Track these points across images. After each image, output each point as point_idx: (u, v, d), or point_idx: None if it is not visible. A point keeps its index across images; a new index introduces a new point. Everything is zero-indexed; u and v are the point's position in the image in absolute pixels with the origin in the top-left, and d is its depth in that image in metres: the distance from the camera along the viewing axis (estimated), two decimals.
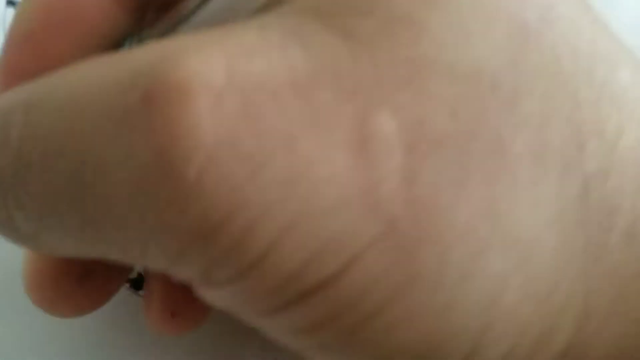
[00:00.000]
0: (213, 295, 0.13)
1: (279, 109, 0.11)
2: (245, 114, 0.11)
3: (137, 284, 0.20)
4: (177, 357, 0.19)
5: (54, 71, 0.13)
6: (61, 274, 0.16)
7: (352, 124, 0.11)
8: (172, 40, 0.13)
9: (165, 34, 0.14)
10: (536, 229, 0.12)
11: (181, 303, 0.16)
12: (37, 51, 0.14)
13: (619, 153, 0.12)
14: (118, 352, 0.19)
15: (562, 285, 0.12)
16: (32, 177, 0.12)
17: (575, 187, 0.12)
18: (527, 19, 0.12)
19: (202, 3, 0.14)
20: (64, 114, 0.12)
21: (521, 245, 0.11)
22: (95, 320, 0.18)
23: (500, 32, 0.12)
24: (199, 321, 0.17)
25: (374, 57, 0.12)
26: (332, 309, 0.11)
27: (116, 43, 0.15)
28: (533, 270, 0.11)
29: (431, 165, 0.11)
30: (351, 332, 0.12)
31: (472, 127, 0.12)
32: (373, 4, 0.12)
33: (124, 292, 0.20)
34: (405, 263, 0.11)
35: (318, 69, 0.12)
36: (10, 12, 0.24)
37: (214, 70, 0.11)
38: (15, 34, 0.14)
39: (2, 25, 0.23)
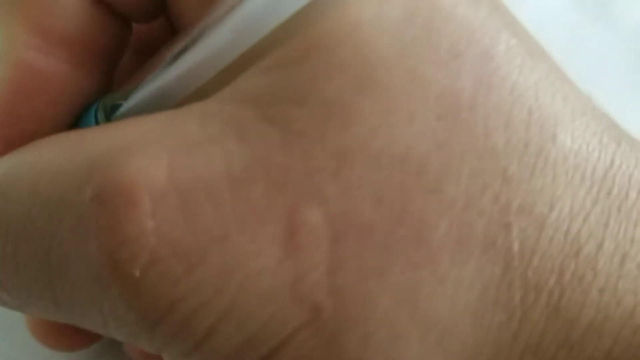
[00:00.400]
0: None
1: (214, 206, 0.12)
2: (183, 213, 0.12)
3: None
4: None
5: (26, 146, 0.15)
6: None
7: (282, 217, 0.12)
8: (123, 127, 0.13)
9: (125, 97, 0.15)
10: (455, 310, 0.12)
11: None
12: (9, 123, 0.15)
13: (547, 229, 0.12)
14: None
15: None
16: (9, 259, 0.14)
17: (499, 267, 0.12)
18: (460, 92, 0.13)
19: (154, 76, 0.15)
20: (31, 205, 0.13)
21: (439, 328, 0.12)
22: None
23: (430, 112, 0.12)
24: None
25: (304, 147, 0.12)
26: None
27: (85, 106, 0.16)
28: (450, 351, 0.12)
29: (355, 254, 0.12)
30: None
31: (396, 214, 0.12)
32: (307, 91, 0.12)
33: None
34: (329, 348, 0.12)
35: (253, 162, 0.12)
36: None
37: (157, 171, 0.12)
38: None
39: None
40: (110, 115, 0.16)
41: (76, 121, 0.16)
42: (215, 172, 0.12)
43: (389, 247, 0.12)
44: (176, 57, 0.14)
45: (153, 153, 0.12)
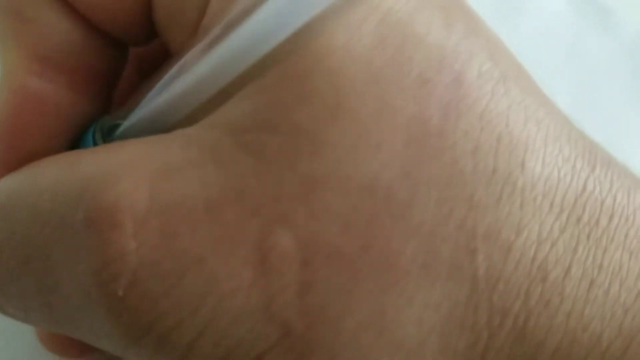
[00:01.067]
0: None
1: (191, 229, 0.13)
2: (163, 235, 0.13)
3: None
4: None
5: (27, 167, 0.15)
6: None
7: (255, 241, 0.13)
8: (113, 150, 0.14)
9: (121, 118, 0.16)
10: (422, 332, 0.12)
11: None
12: (11, 146, 0.16)
13: (514, 254, 0.13)
14: None
15: None
16: (12, 275, 0.15)
17: (464, 291, 0.12)
18: (428, 119, 0.13)
19: (147, 100, 0.15)
20: (31, 224, 0.14)
21: (406, 350, 0.12)
22: None
23: (398, 140, 0.13)
24: None
25: (276, 174, 0.13)
26: None
27: (84, 127, 0.17)
28: None
29: (324, 278, 0.12)
30: None
31: (364, 239, 0.12)
32: (279, 118, 0.13)
33: None
34: None
35: (227, 187, 0.13)
36: None
37: (139, 195, 0.13)
38: None
39: None
40: (107, 136, 0.16)
41: (76, 142, 0.17)
42: (192, 196, 0.13)
43: (356, 270, 0.12)
44: (167, 83, 0.15)
45: (137, 177, 0.13)
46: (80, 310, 0.14)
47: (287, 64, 0.13)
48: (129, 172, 0.13)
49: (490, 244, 0.13)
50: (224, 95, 0.14)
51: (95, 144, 0.16)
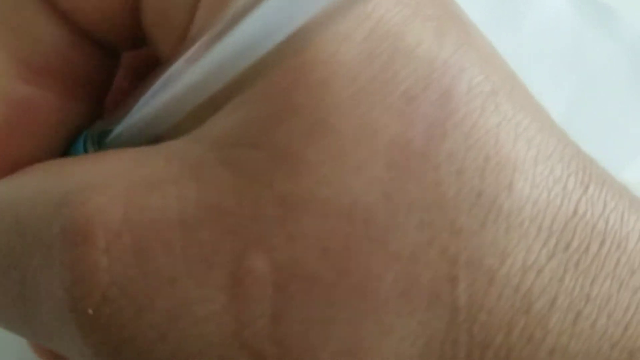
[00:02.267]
0: None
1: (165, 248, 0.12)
2: (135, 253, 0.12)
3: None
4: None
5: (13, 175, 0.15)
6: None
7: (229, 263, 0.12)
8: (96, 161, 0.14)
9: (112, 124, 0.16)
10: None
11: None
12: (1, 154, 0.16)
13: (497, 283, 0.12)
14: None
15: None
16: None
17: (443, 322, 0.12)
18: (412, 139, 0.12)
19: (137, 107, 0.15)
20: (11, 233, 0.14)
21: None
22: None
23: (379, 161, 0.12)
24: None
25: (255, 193, 0.12)
26: None
27: (75, 133, 0.17)
28: None
29: (299, 305, 0.12)
30: None
31: (342, 265, 0.12)
32: (260, 135, 0.12)
33: None
34: None
35: (205, 206, 0.12)
36: None
37: (113, 210, 0.13)
38: None
39: None
40: (98, 142, 0.16)
41: (68, 147, 0.17)
42: (168, 214, 0.12)
43: (333, 297, 0.12)
44: (155, 92, 0.15)
45: (114, 191, 0.13)
46: (56, 327, 0.13)
47: (272, 76, 0.13)
48: (107, 185, 0.13)
49: (472, 272, 0.12)
50: (213, 106, 0.14)
51: (86, 150, 0.16)
